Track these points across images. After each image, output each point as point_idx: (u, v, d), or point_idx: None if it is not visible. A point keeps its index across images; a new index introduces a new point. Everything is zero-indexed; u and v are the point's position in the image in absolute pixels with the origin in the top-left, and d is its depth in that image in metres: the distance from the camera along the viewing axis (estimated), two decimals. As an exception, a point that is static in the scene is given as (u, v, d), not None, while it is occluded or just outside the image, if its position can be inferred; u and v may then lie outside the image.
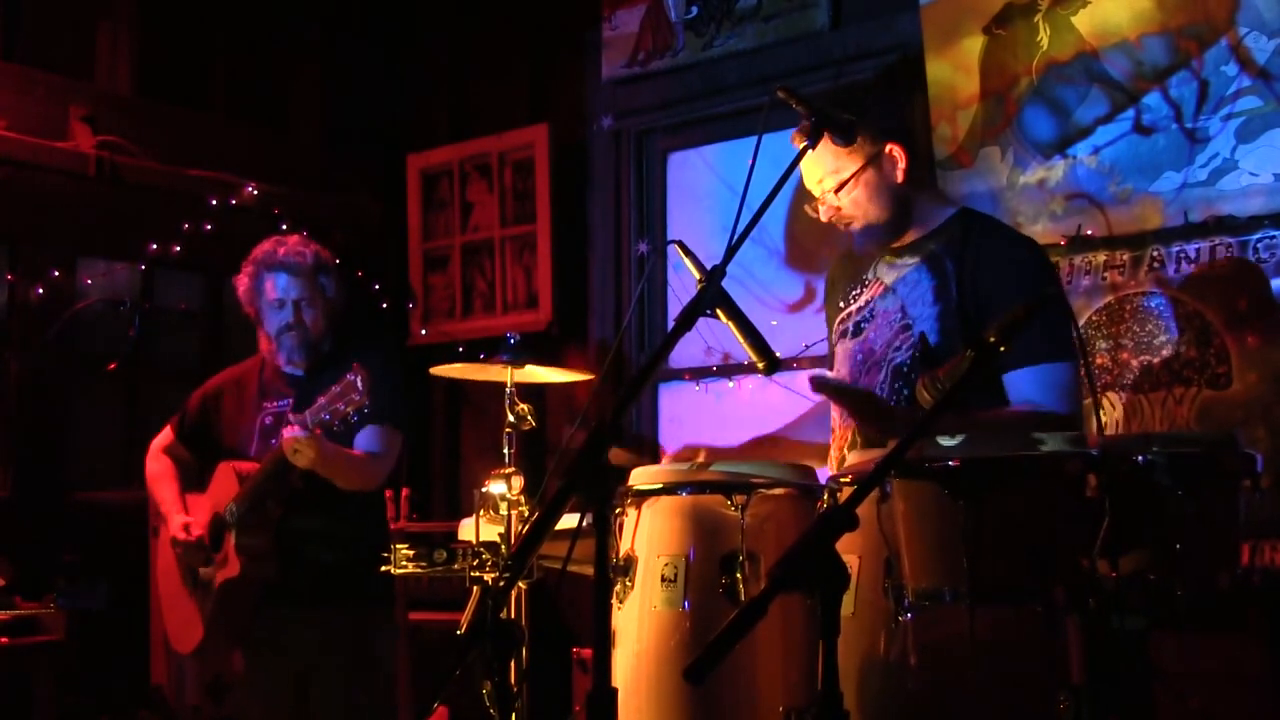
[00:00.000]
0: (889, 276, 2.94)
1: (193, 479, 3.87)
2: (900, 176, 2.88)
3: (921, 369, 2.77)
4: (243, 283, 3.79)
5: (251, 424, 3.75)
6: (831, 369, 3.06)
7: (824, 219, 2.96)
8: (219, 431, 3.85)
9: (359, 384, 3.26)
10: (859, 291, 3.01)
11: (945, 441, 2.19)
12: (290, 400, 3.71)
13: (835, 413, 3.02)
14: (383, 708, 3.72)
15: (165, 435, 3.98)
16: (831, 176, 2.88)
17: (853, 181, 2.86)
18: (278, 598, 3.63)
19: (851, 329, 2.98)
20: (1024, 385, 2.71)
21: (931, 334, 2.82)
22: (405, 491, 5.13)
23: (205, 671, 5.11)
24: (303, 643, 3.64)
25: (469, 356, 5.04)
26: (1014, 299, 2.59)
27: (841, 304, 3.06)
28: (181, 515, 3.75)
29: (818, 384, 2.70)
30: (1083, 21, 4.13)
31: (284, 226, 5.54)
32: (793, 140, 2.79)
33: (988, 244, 2.84)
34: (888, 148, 2.87)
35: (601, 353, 5.39)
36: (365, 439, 3.64)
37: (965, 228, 2.89)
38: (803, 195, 3.03)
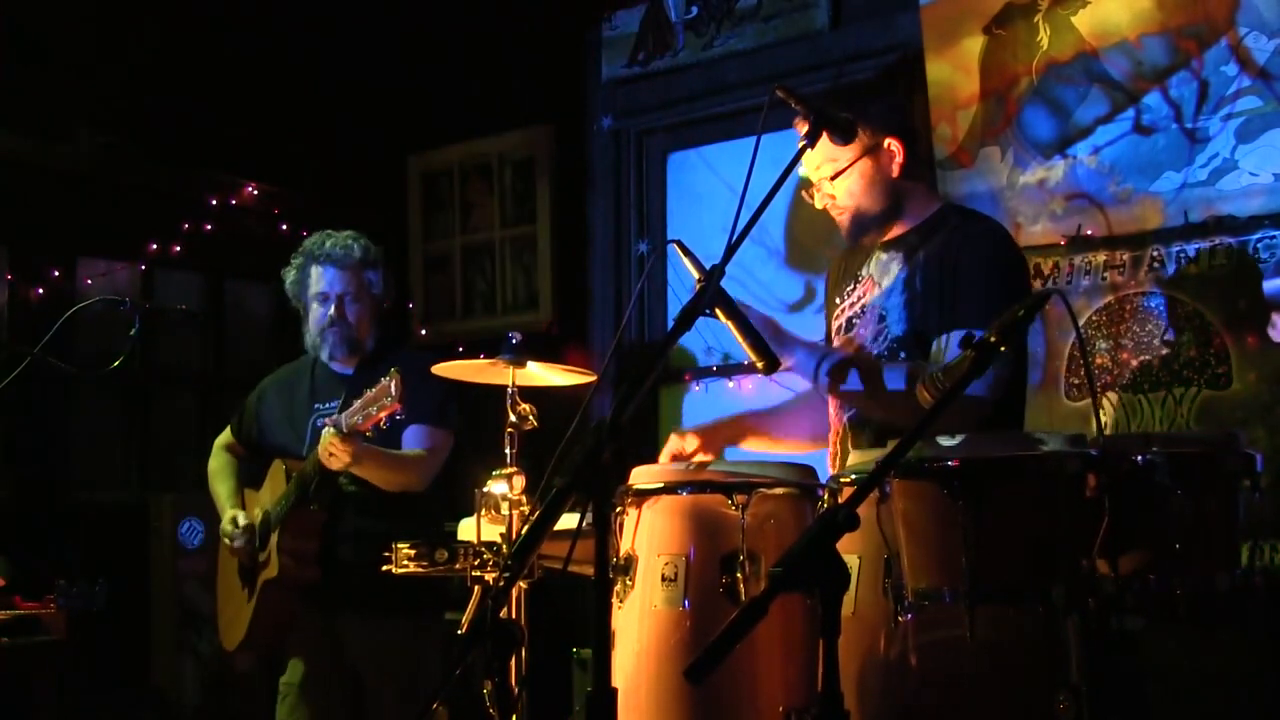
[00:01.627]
0: (877, 273, 2.99)
1: (254, 475, 3.87)
2: (896, 171, 2.92)
3: (906, 354, 2.81)
4: (290, 274, 3.79)
5: (304, 424, 3.74)
6: None
7: (818, 205, 3.01)
8: (271, 430, 3.85)
9: (393, 389, 3.22)
10: (853, 288, 3.06)
11: (945, 441, 2.20)
12: (340, 401, 3.66)
13: (832, 406, 3.04)
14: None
15: (225, 433, 4.01)
16: (829, 164, 2.91)
17: (849, 170, 2.89)
18: (324, 601, 3.62)
19: (845, 325, 3.03)
20: (953, 346, 2.71)
21: (899, 323, 2.87)
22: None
23: (206, 670, 5.13)
24: (352, 649, 3.63)
25: (469, 356, 5.04)
26: (975, 287, 2.65)
27: (838, 300, 3.11)
28: (234, 510, 3.76)
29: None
30: (1083, 21, 4.13)
31: (284, 227, 5.55)
32: (796, 125, 2.80)
33: (960, 234, 2.88)
34: (886, 141, 2.90)
35: (602, 353, 5.39)
36: (411, 438, 3.62)
37: (945, 222, 2.93)
38: (802, 196, 3.05)
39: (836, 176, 2.92)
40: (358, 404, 3.33)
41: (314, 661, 3.70)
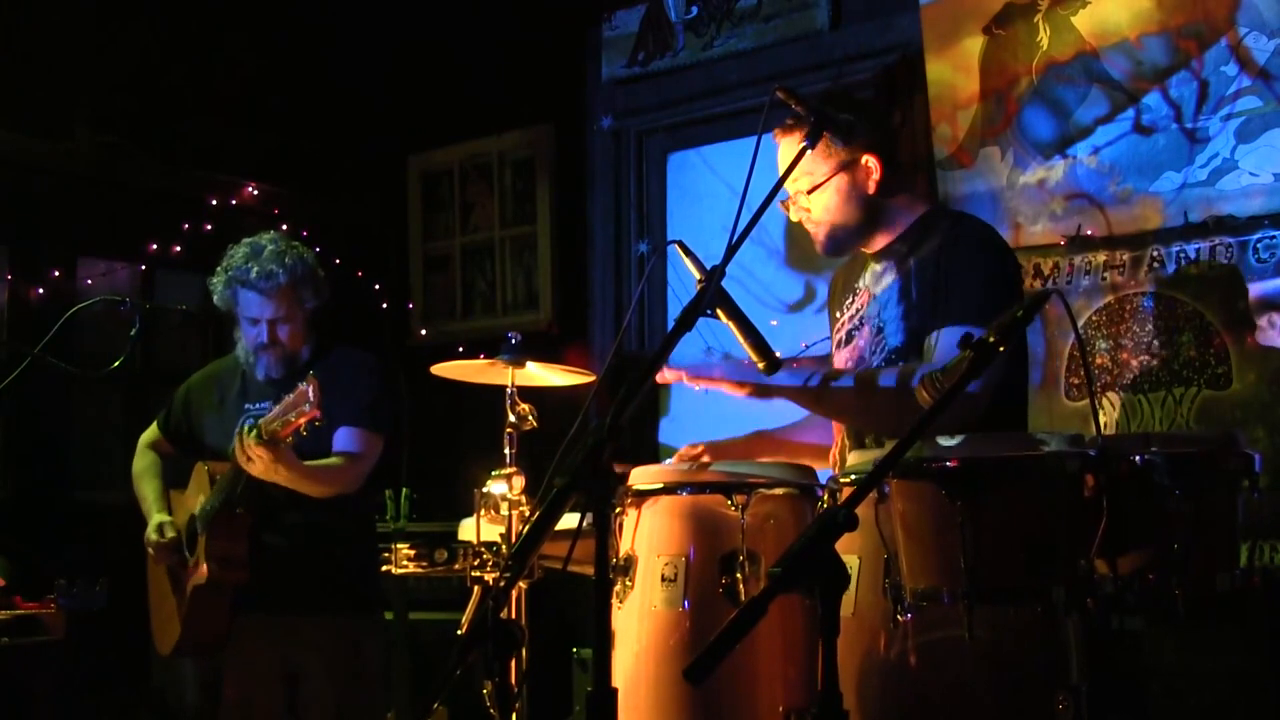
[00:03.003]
0: (872, 284, 2.99)
1: (180, 474, 3.82)
2: (873, 188, 2.91)
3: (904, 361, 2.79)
4: (215, 288, 3.69)
5: (233, 424, 3.65)
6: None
7: (793, 218, 3.00)
8: (201, 429, 3.81)
9: (311, 394, 3.17)
10: (851, 300, 3.05)
11: (945, 441, 2.20)
12: (270, 404, 3.61)
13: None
14: (370, 714, 3.69)
15: (152, 430, 3.95)
16: (805, 177, 2.91)
17: (825, 185, 2.89)
18: (255, 603, 3.58)
19: (844, 338, 3.03)
20: (944, 342, 2.69)
21: (896, 335, 2.86)
22: (403, 491, 5.14)
23: (204, 670, 5.11)
24: (285, 650, 3.59)
25: (469, 356, 5.04)
26: (959, 270, 2.68)
27: (838, 313, 3.10)
28: (160, 515, 3.72)
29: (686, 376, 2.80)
30: (1083, 21, 4.13)
31: (284, 227, 5.54)
32: (775, 136, 2.83)
33: (946, 237, 2.85)
34: (864, 158, 2.89)
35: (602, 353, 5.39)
36: (341, 440, 3.57)
37: (926, 226, 2.92)
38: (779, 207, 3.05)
39: (813, 190, 2.91)
40: (276, 409, 3.28)
41: (251, 667, 3.65)
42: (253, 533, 3.56)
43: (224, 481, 3.52)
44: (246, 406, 3.71)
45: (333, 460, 3.54)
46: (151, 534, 3.68)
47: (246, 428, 3.33)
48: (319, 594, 3.58)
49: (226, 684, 3.70)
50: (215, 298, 3.71)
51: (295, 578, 3.57)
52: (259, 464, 3.32)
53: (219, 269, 3.70)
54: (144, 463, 3.90)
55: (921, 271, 2.85)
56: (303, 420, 3.20)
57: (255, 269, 3.59)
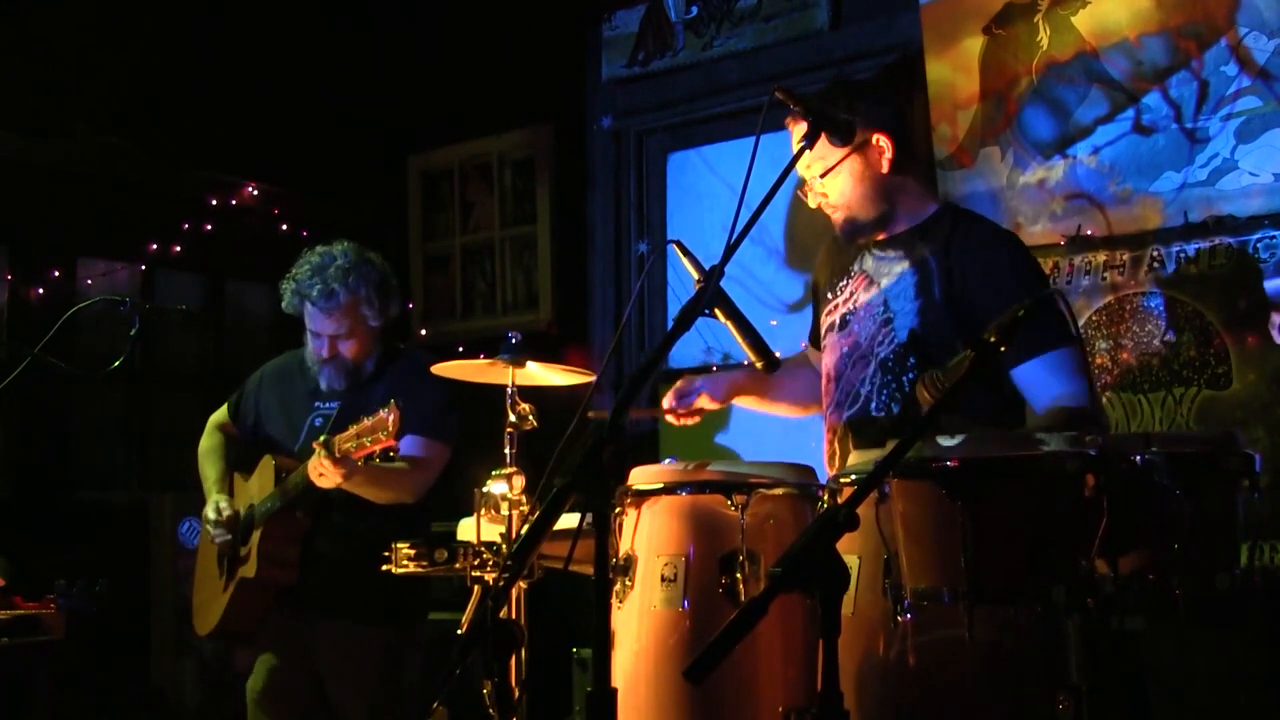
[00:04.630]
0: (873, 271, 2.97)
1: (244, 458, 3.83)
2: (886, 167, 2.90)
3: (915, 359, 2.81)
4: (285, 296, 3.67)
5: (302, 419, 3.69)
6: (819, 349, 3.11)
7: (811, 204, 3.00)
8: (267, 417, 3.81)
9: (391, 424, 3.15)
10: (845, 284, 3.03)
11: (945, 441, 2.19)
12: (338, 405, 3.63)
13: (827, 411, 3.04)
14: None
15: (221, 412, 3.97)
16: (818, 162, 2.90)
17: (838, 168, 2.88)
18: (299, 604, 3.59)
19: (838, 322, 3.01)
20: (1038, 375, 2.72)
21: (908, 328, 2.85)
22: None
23: (205, 671, 5.12)
24: (323, 653, 3.60)
25: (469, 356, 5.05)
26: (1000, 297, 2.63)
27: (829, 295, 3.08)
28: (219, 495, 3.72)
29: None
30: (1083, 21, 4.13)
31: (284, 227, 5.55)
32: (788, 124, 2.82)
33: (972, 242, 2.86)
34: (875, 137, 2.89)
35: (602, 353, 5.39)
36: (408, 447, 3.52)
37: (949, 225, 2.91)
38: (799, 195, 3.05)
39: (826, 174, 2.90)
40: (353, 429, 3.26)
41: (279, 666, 3.66)
42: (308, 537, 3.57)
43: (291, 486, 3.50)
44: (316, 405, 3.71)
45: (399, 465, 3.50)
46: (210, 512, 3.69)
47: (322, 441, 3.30)
48: (364, 603, 3.55)
49: (258, 673, 3.69)
50: (283, 303, 3.70)
51: (344, 585, 3.56)
52: (330, 479, 3.32)
53: (288, 276, 3.67)
54: (210, 443, 3.91)
55: (950, 275, 2.82)
56: (378, 448, 3.19)
57: (318, 286, 3.57)
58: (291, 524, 3.55)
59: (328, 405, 3.67)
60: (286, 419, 3.74)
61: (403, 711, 3.66)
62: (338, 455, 3.27)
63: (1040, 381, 2.72)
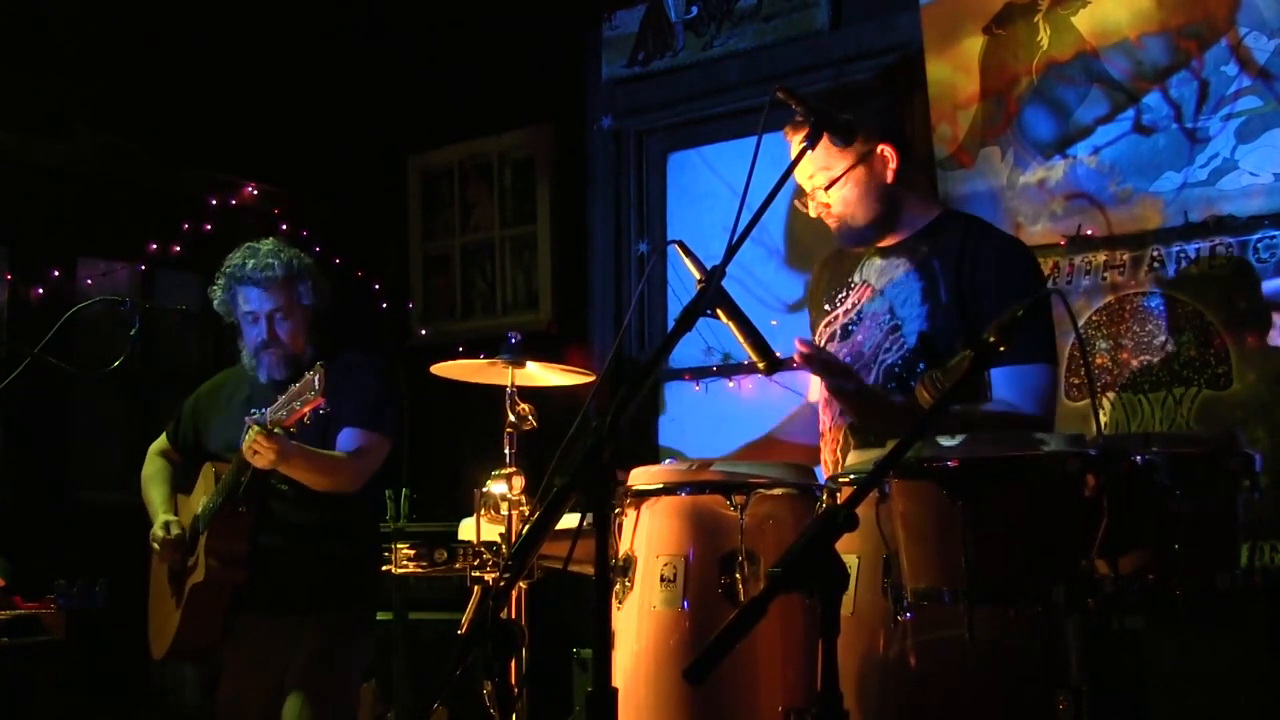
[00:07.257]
0: (876, 279, 2.96)
1: (187, 481, 3.82)
2: (890, 177, 2.90)
3: (926, 363, 2.79)
4: (216, 294, 3.71)
5: (237, 428, 3.62)
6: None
7: (812, 215, 2.99)
8: (207, 436, 3.81)
9: (316, 383, 3.16)
10: (845, 294, 3.03)
11: (945, 441, 2.19)
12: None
13: (825, 415, 3.03)
14: (340, 705, 3.66)
15: (161, 440, 3.96)
16: (823, 173, 2.90)
17: (843, 179, 2.88)
18: (253, 604, 3.57)
19: (839, 332, 3.00)
20: (1001, 383, 2.75)
21: (916, 334, 2.85)
22: (403, 491, 5.13)
23: (204, 671, 5.11)
24: (281, 650, 3.58)
25: (469, 356, 5.04)
26: (1005, 301, 2.62)
27: (827, 306, 3.08)
28: (165, 515, 3.71)
29: (806, 355, 2.65)
30: (1083, 21, 4.13)
31: (284, 227, 5.54)
32: (786, 134, 2.82)
33: (978, 246, 2.86)
34: (880, 148, 2.89)
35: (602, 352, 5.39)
36: (345, 440, 3.56)
37: (953, 230, 2.92)
38: (796, 204, 3.04)
39: (831, 185, 2.90)
40: (281, 399, 3.27)
41: (246, 667, 3.64)
42: (253, 532, 3.55)
43: (228, 477, 3.51)
44: (252, 410, 3.69)
45: (337, 454, 3.53)
46: (157, 531, 3.67)
47: (254, 417, 3.32)
48: (314, 591, 3.57)
49: (223, 682, 3.70)
50: (215, 303, 3.73)
51: (293, 577, 3.56)
52: (264, 455, 3.30)
53: (217, 273, 3.71)
54: (152, 469, 3.90)
55: (958, 281, 2.83)
56: (308, 408, 3.19)
57: (252, 263, 3.64)
58: (236, 519, 3.51)
59: (263, 411, 3.59)
60: (224, 430, 3.71)
61: (342, 693, 3.63)
62: (269, 426, 3.27)
63: (1001, 391, 2.75)
